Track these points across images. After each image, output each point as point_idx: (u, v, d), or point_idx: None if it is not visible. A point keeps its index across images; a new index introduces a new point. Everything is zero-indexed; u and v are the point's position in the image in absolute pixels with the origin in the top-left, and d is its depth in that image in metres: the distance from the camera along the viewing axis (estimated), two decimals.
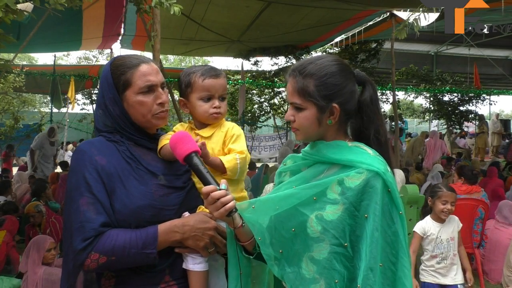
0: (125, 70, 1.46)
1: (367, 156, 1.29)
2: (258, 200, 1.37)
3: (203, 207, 1.49)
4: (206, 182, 1.33)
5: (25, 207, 5.26)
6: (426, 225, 3.43)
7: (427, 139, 12.06)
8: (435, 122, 18.82)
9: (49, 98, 14.87)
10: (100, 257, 1.32)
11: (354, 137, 1.40)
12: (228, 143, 1.56)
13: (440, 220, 3.41)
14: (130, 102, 1.46)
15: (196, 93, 1.57)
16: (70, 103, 13.53)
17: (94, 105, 16.30)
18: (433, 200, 3.42)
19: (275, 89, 13.97)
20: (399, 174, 5.24)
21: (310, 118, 1.33)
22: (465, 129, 16.16)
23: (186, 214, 1.46)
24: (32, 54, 20.58)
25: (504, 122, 18.16)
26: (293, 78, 1.36)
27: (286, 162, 1.51)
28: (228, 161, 1.51)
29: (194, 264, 1.44)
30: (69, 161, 10.59)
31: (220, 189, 1.30)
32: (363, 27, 10.32)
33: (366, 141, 1.37)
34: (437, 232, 3.38)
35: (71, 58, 24.08)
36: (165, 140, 1.52)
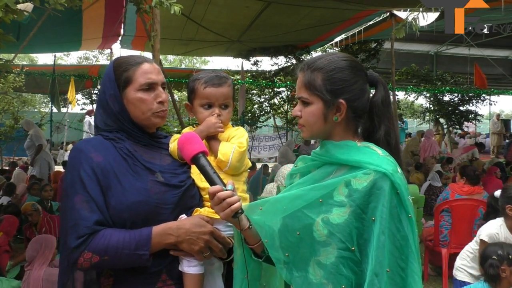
0: (128, 67, 1.48)
1: (375, 157, 1.24)
2: (266, 201, 1.34)
3: (200, 209, 1.48)
4: (212, 183, 1.32)
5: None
6: (497, 231, 2.86)
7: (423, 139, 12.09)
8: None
9: (49, 98, 14.87)
10: (93, 256, 1.32)
11: (364, 139, 1.36)
12: (230, 141, 1.59)
13: None
14: (130, 98, 1.47)
15: (198, 100, 1.60)
16: (70, 103, 13.53)
17: (95, 105, 16.33)
18: None
19: (275, 89, 13.97)
20: None
21: (316, 113, 1.30)
22: (465, 129, 16.18)
23: (183, 216, 1.45)
24: (32, 54, 20.58)
25: (504, 122, 18.14)
26: (302, 72, 1.34)
27: (297, 164, 1.48)
28: (224, 145, 1.54)
29: (189, 267, 1.43)
30: None
31: (226, 190, 1.29)
32: (363, 27, 10.30)
33: (375, 143, 1.32)
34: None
35: (71, 58, 24.11)
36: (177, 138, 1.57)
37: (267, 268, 1.42)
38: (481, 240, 2.87)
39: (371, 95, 1.37)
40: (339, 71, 1.29)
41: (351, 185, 1.21)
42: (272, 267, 1.37)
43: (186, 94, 1.70)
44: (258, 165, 8.73)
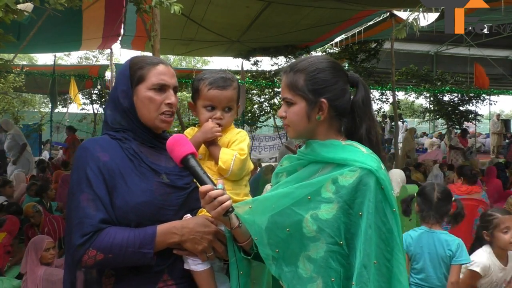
0: (143, 65, 1.50)
1: (360, 154, 1.30)
2: (255, 200, 1.38)
3: (204, 210, 1.48)
4: (202, 183, 1.34)
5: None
6: (489, 263, 2.63)
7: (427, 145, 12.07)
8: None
9: (49, 98, 14.87)
10: (97, 254, 1.32)
11: (347, 137, 1.41)
12: (230, 146, 1.57)
13: (504, 257, 2.67)
14: (140, 96, 1.49)
15: (201, 101, 1.59)
16: (71, 102, 13.54)
17: (94, 105, 16.35)
18: (490, 232, 2.64)
19: (275, 89, 13.97)
20: (400, 174, 5.24)
21: (300, 113, 1.35)
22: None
23: (188, 216, 1.46)
24: (32, 54, 20.59)
25: (504, 122, 18.14)
26: (286, 75, 1.40)
27: (282, 163, 1.52)
28: (224, 153, 1.53)
29: (196, 265, 1.44)
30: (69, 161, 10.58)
31: (217, 189, 1.31)
32: (363, 27, 10.32)
33: (358, 141, 1.38)
34: (499, 273, 2.64)
35: (71, 58, 24.12)
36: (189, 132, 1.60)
37: (257, 266, 1.46)
38: (471, 270, 2.65)
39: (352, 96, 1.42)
40: (320, 72, 1.35)
41: (338, 182, 1.26)
42: (261, 264, 1.41)
43: (187, 94, 1.70)
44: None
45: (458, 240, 2.55)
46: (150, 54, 5.70)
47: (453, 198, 2.73)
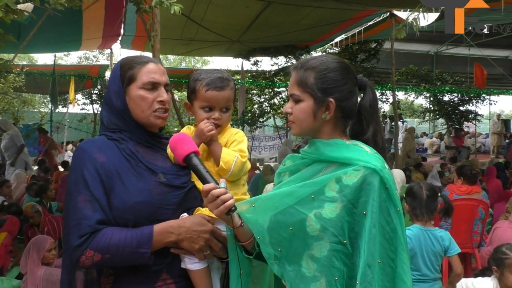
0: (133, 65, 1.51)
1: (364, 154, 1.30)
2: (257, 199, 1.38)
3: (201, 209, 1.48)
4: (205, 181, 1.35)
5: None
6: None
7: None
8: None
9: (49, 98, 14.88)
10: (95, 255, 1.33)
11: (352, 139, 1.41)
12: (229, 147, 1.57)
13: None
14: (132, 96, 1.49)
15: (198, 102, 1.57)
16: (70, 102, 13.54)
17: (94, 105, 16.37)
18: (500, 270, 2.61)
19: (275, 89, 13.98)
20: (400, 174, 5.24)
21: (306, 110, 1.36)
22: (465, 129, 16.22)
23: (184, 215, 1.46)
24: (32, 54, 20.60)
25: (504, 122, 18.13)
26: (295, 71, 1.40)
27: (285, 163, 1.52)
28: (226, 153, 1.52)
29: (192, 264, 1.44)
30: (69, 161, 10.58)
31: (220, 187, 1.31)
32: (363, 27, 10.33)
33: (364, 143, 1.38)
34: None
35: (71, 58, 24.13)
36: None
37: (258, 265, 1.46)
38: None
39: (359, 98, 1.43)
40: (331, 71, 1.36)
41: (342, 181, 1.26)
42: (262, 264, 1.41)
43: (186, 93, 1.69)
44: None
45: (448, 233, 2.81)
46: (150, 54, 5.71)
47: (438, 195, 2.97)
